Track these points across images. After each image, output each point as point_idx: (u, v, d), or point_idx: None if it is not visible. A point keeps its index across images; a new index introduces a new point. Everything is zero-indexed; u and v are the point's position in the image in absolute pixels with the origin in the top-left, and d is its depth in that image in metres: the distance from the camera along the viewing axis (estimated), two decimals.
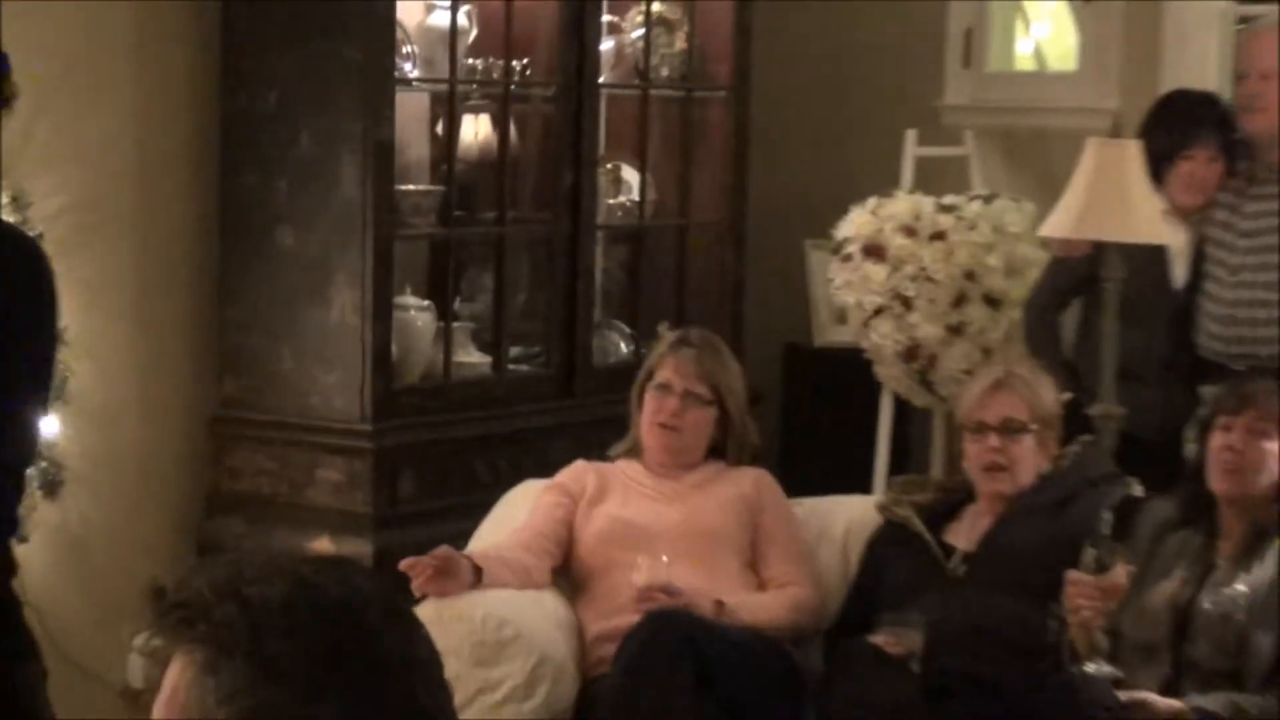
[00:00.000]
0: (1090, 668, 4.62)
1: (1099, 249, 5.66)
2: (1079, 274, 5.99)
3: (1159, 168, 5.78)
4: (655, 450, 5.34)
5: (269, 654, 2.09)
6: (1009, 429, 5.12)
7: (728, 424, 5.36)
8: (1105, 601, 4.63)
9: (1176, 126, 5.91)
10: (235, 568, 2.15)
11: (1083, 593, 4.63)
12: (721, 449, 5.38)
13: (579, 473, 5.38)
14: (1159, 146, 5.80)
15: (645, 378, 5.37)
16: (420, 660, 2.16)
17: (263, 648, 2.09)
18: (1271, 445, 4.77)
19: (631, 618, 4.89)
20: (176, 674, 2.14)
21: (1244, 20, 6.90)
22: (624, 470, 5.37)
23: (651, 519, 5.22)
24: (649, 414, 5.33)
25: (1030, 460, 5.14)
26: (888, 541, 5.22)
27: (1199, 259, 5.97)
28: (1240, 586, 4.69)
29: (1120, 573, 4.63)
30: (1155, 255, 5.84)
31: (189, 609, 2.12)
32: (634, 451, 5.40)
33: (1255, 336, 5.79)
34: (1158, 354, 5.91)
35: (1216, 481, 4.79)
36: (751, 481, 5.33)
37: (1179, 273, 5.98)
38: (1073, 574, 4.65)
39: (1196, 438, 4.93)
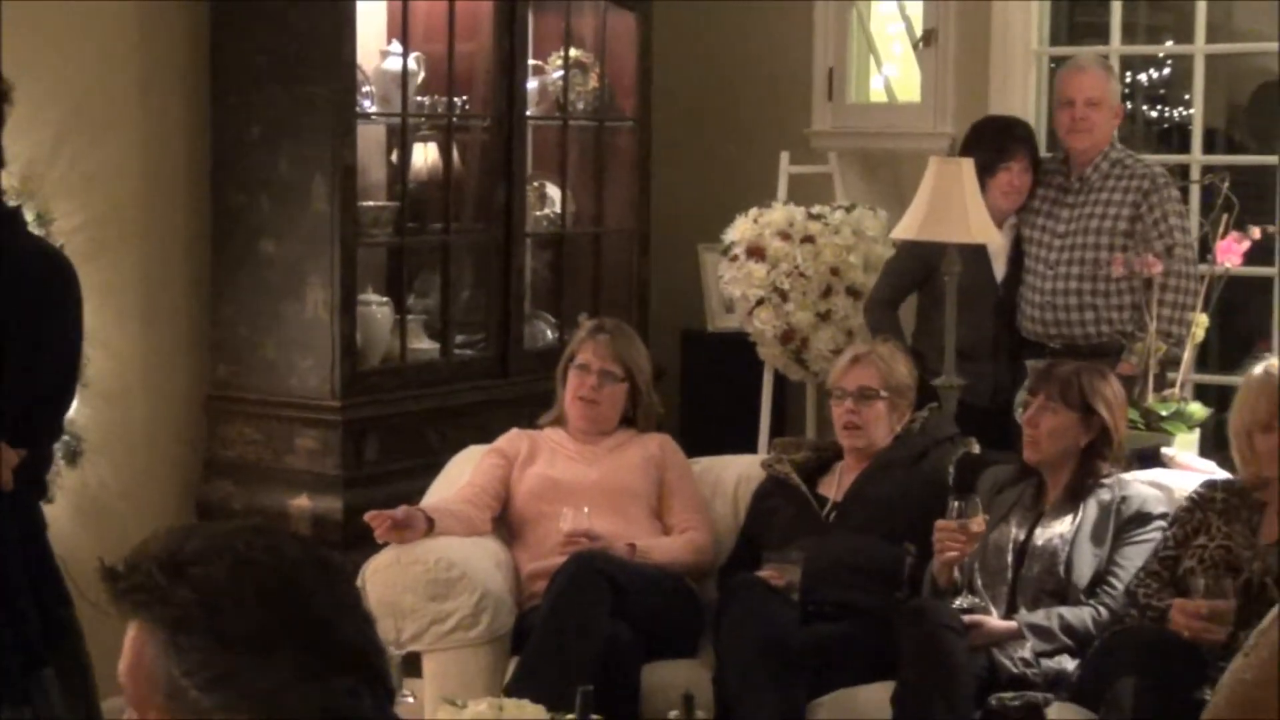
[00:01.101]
0: (961, 602, 4.62)
1: (938, 250, 5.66)
2: (914, 275, 6.01)
3: (980, 179, 5.79)
4: (577, 420, 5.32)
5: (223, 628, 2.08)
6: (863, 395, 5.13)
7: (637, 397, 5.35)
8: (968, 544, 4.62)
9: (994, 144, 5.93)
10: (175, 545, 2.16)
11: (950, 537, 4.62)
12: (632, 418, 5.37)
13: (514, 439, 5.36)
14: (980, 161, 5.81)
15: (568, 359, 5.35)
16: (348, 604, 2.15)
17: (216, 623, 2.08)
18: (1057, 420, 4.78)
19: (559, 559, 4.88)
20: (139, 646, 2.12)
21: (1055, 60, 6.92)
22: (551, 437, 5.35)
23: (574, 477, 5.20)
24: (572, 389, 5.31)
25: (882, 422, 5.14)
26: (771, 493, 5.21)
27: (1015, 257, 5.99)
28: (1062, 527, 4.72)
29: (979, 521, 4.63)
30: (980, 255, 5.85)
31: (145, 593, 2.11)
32: (559, 421, 5.38)
33: (1069, 320, 5.82)
34: (986, 336, 5.93)
35: (1025, 451, 4.82)
36: (657, 445, 5.32)
37: (999, 269, 6.00)
38: (941, 522, 4.64)
39: (1020, 411, 4.94)
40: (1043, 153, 6.68)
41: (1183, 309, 5.59)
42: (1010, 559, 4.70)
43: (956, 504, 4.65)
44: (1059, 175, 5.96)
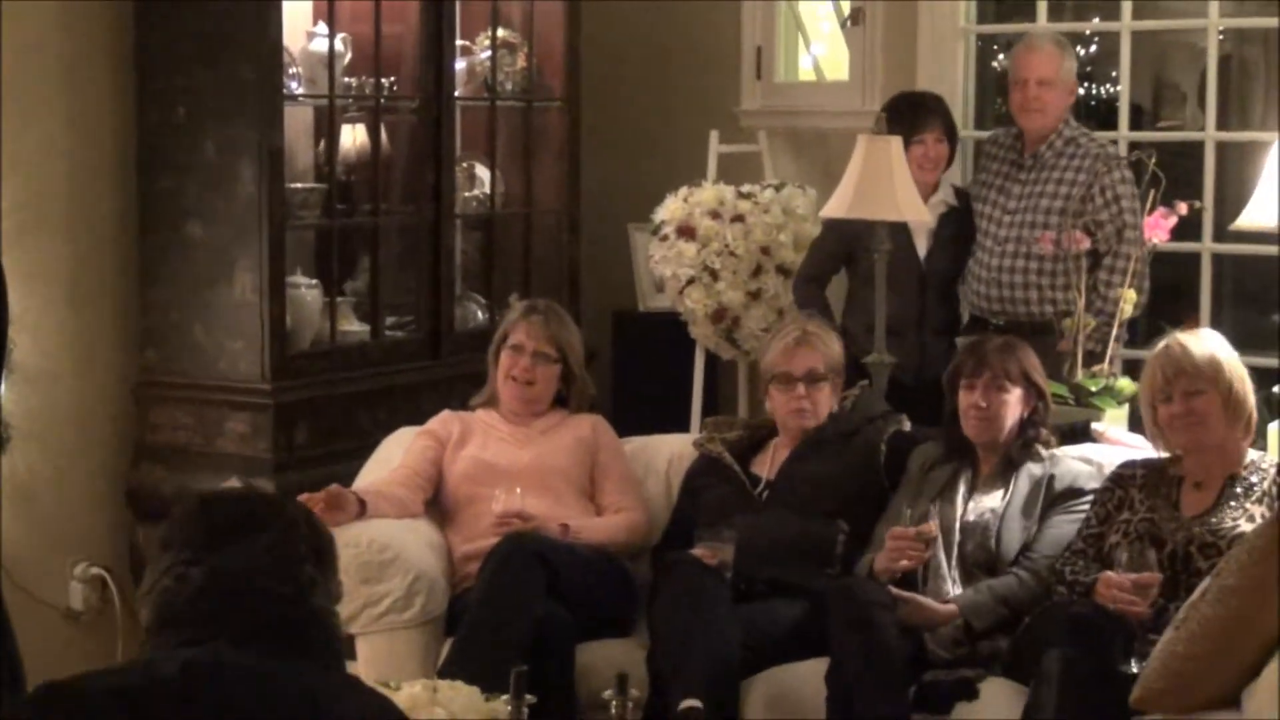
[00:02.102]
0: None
1: (861, 228, 5.68)
2: (837, 253, 6.04)
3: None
4: (511, 401, 5.32)
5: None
6: (812, 379, 5.13)
7: (570, 378, 5.36)
8: (925, 553, 4.64)
9: (908, 118, 5.95)
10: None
11: (909, 546, 4.63)
12: (565, 399, 5.37)
13: (446, 421, 5.36)
14: (895, 135, 5.85)
15: (500, 340, 5.35)
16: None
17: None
18: (1009, 396, 4.82)
19: (492, 540, 4.88)
20: None
21: (983, 38, 6.96)
22: (483, 418, 5.35)
23: (507, 459, 5.20)
24: (505, 370, 5.31)
25: (827, 403, 5.16)
26: (703, 473, 5.22)
27: (939, 233, 6.00)
28: (993, 502, 4.76)
29: (931, 526, 4.65)
30: (903, 231, 5.88)
31: None
32: (491, 402, 5.38)
33: (1013, 298, 5.85)
34: (911, 312, 5.96)
35: (970, 433, 4.86)
36: (589, 426, 5.32)
37: (922, 245, 6.02)
38: (897, 530, 4.66)
39: (948, 391, 4.95)
40: (970, 129, 6.73)
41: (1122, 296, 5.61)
42: (956, 536, 4.73)
43: (908, 511, 4.67)
44: (1013, 152, 5.98)
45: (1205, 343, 4.58)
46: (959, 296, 6.16)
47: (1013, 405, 4.83)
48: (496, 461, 5.20)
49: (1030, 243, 5.75)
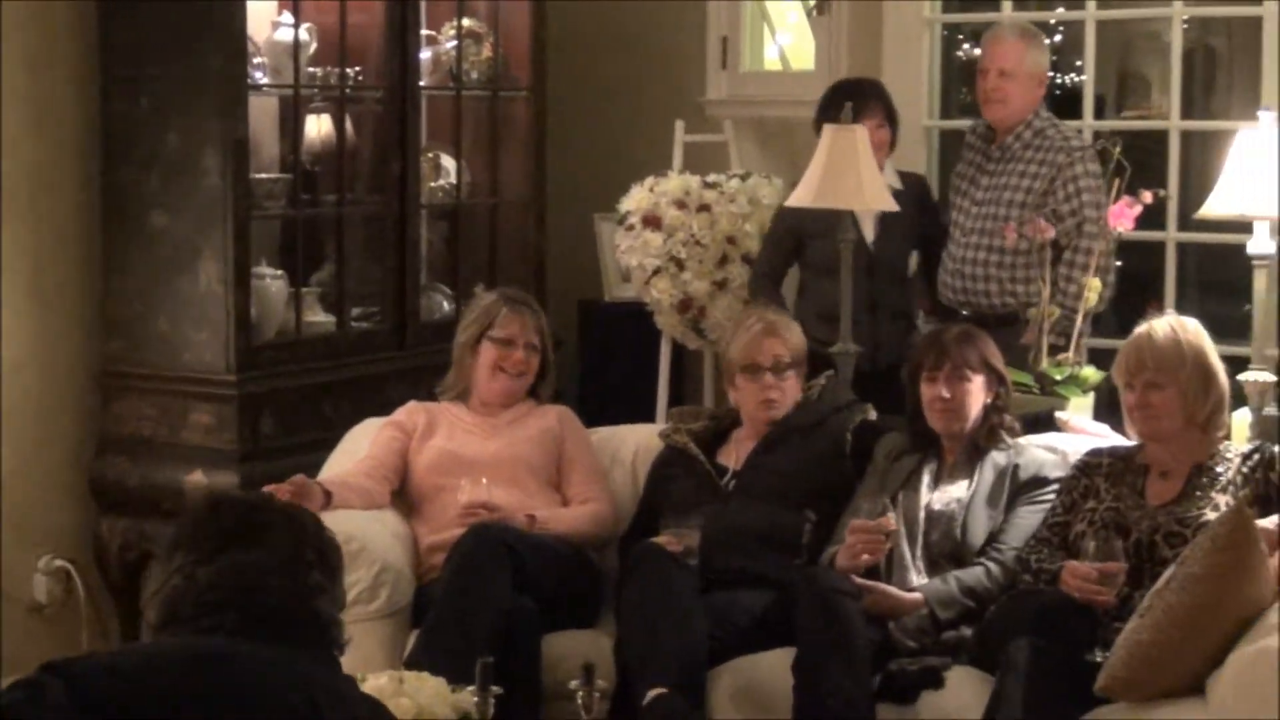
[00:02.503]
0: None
1: (808, 218, 5.71)
2: (787, 246, 6.04)
3: None
4: (497, 394, 5.31)
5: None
6: (779, 368, 5.13)
7: (544, 368, 5.36)
8: (885, 545, 4.64)
9: (842, 102, 5.93)
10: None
11: (872, 540, 4.63)
12: (533, 390, 5.36)
13: (412, 412, 5.35)
14: (834, 121, 5.86)
15: (481, 332, 5.31)
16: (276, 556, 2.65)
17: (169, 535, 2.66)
18: (971, 385, 4.83)
19: (458, 531, 4.88)
20: None
21: (948, 28, 6.97)
22: (449, 409, 5.35)
23: (473, 450, 5.20)
24: (491, 363, 5.29)
25: (793, 392, 5.17)
26: (669, 463, 5.22)
27: (885, 219, 5.99)
28: (959, 491, 4.77)
29: (890, 519, 4.65)
30: (850, 220, 5.85)
31: None
32: (462, 395, 5.36)
33: (976, 289, 5.86)
34: (861, 298, 5.94)
35: (936, 425, 4.86)
36: (555, 417, 5.32)
37: (869, 231, 6.02)
38: (858, 523, 4.66)
39: (909, 383, 4.95)
40: (935, 119, 6.74)
41: (1085, 286, 5.62)
42: (922, 526, 4.73)
43: (866, 505, 4.67)
44: (984, 142, 5.97)
45: (1177, 333, 4.57)
46: (912, 280, 6.18)
47: (976, 394, 4.84)
48: (463, 452, 5.19)
49: (993, 234, 5.75)
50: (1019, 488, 4.76)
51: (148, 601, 2.70)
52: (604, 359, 6.92)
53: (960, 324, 5.24)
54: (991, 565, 4.64)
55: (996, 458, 4.81)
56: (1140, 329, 4.62)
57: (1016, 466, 4.79)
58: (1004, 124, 5.88)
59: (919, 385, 4.89)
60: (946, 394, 4.82)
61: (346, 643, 2.72)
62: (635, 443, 5.43)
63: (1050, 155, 5.78)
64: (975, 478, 4.78)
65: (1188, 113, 6.62)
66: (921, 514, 4.75)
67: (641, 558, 4.78)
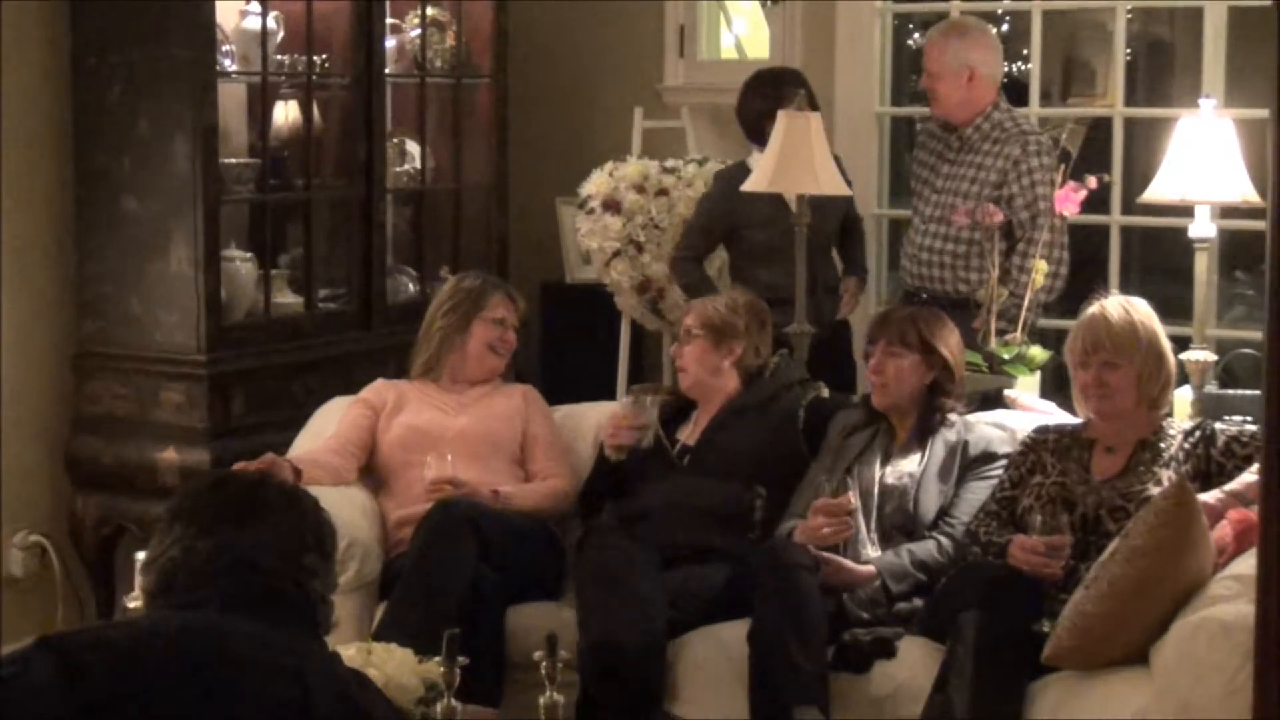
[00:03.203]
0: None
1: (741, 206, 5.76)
2: (717, 233, 6.03)
3: (760, 127, 5.84)
4: (487, 370, 5.33)
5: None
6: (684, 339, 5.20)
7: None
8: (849, 526, 4.64)
9: (768, 91, 5.96)
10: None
11: (830, 521, 4.62)
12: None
13: (380, 389, 5.35)
14: (758, 109, 5.88)
15: (472, 312, 5.30)
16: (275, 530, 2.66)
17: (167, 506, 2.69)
18: (903, 361, 4.84)
19: (424, 506, 4.87)
20: None
21: (899, 17, 6.97)
22: (417, 386, 5.35)
23: (439, 426, 5.20)
24: (483, 340, 5.32)
25: (701, 360, 5.17)
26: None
27: (814, 201, 5.98)
28: (910, 466, 4.78)
29: (850, 496, 4.65)
30: (779, 203, 5.83)
31: None
32: (433, 373, 5.35)
33: (933, 275, 5.87)
34: (790, 279, 5.93)
35: (873, 397, 4.87)
36: (520, 395, 5.33)
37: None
38: (817, 503, 4.65)
39: (865, 360, 4.98)
40: (886, 106, 6.75)
41: (1050, 275, 5.62)
42: (876, 499, 4.75)
43: (829, 484, 4.67)
44: (945, 131, 5.96)
45: (1130, 314, 4.59)
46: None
47: (907, 370, 4.84)
48: (430, 429, 5.19)
49: (951, 223, 5.75)
50: (968, 463, 4.78)
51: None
52: (565, 339, 6.91)
53: (913, 305, 5.25)
54: (942, 539, 4.66)
55: (946, 434, 4.83)
56: (1093, 309, 4.63)
57: (966, 443, 4.81)
58: (954, 118, 5.88)
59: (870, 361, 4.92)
60: (879, 367, 4.85)
61: (335, 624, 2.72)
62: (596, 419, 5.42)
63: (1006, 147, 5.77)
64: (926, 453, 4.80)
65: (1131, 100, 6.64)
66: (875, 488, 4.77)
67: (599, 532, 4.79)
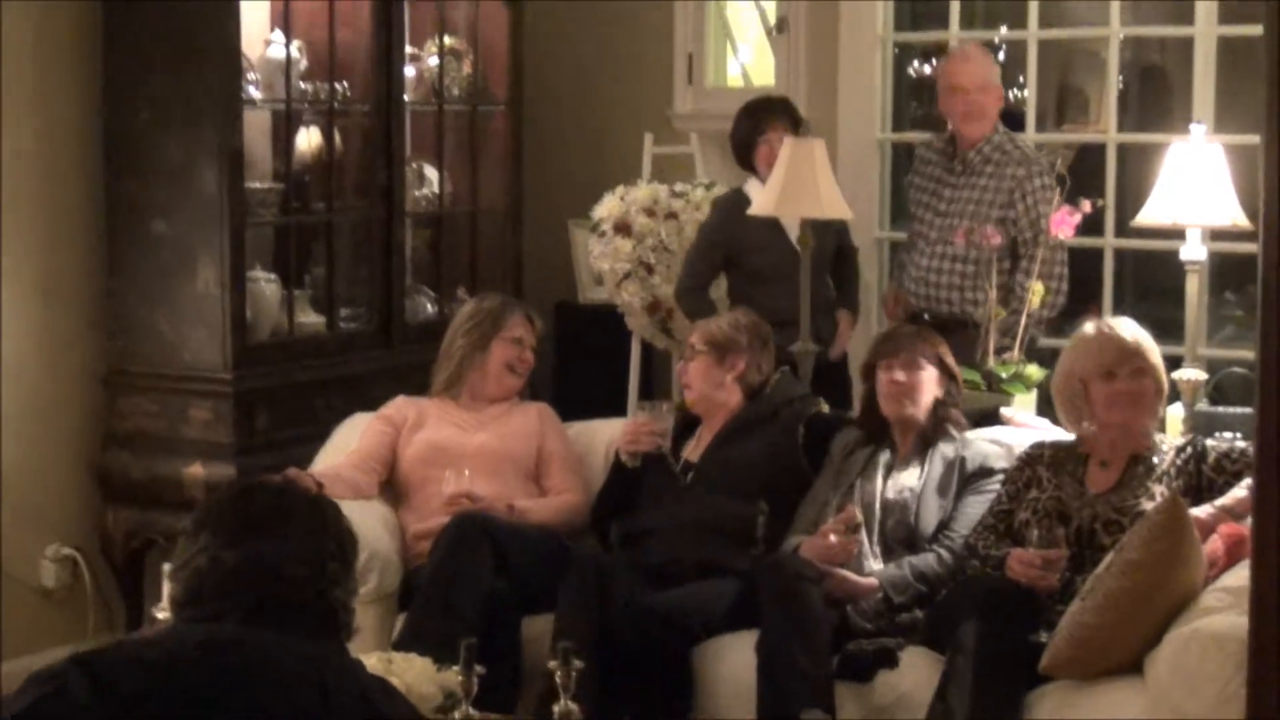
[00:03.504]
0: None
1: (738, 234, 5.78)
2: (718, 261, 6.03)
3: (748, 153, 5.87)
4: (506, 389, 5.35)
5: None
6: (689, 355, 5.21)
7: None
8: (854, 538, 4.65)
9: (753, 117, 5.96)
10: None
11: (834, 543, 4.63)
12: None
13: (400, 406, 5.36)
14: (743, 135, 5.89)
15: (492, 332, 5.31)
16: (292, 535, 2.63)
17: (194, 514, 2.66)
18: (924, 374, 4.86)
19: (443, 519, 4.88)
20: None
21: (900, 46, 6.99)
22: (437, 403, 5.36)
23: (459, 443, 5.21)
24: (502, 359, 5.34)
25: (705, 376, 5.18)
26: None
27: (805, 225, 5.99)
28: (911, 480, 4.79)
29: (854, 512, 4.66)
30: (775, 227, 5.86)
31: None
32: (455, 391, 5.35)
33: (939, 296, 5.86)
34: (793, 302, 5.95)
35: (887, 408, 4.88)
36: (537, 413, 5.35)
37: (794, 236, 6.01)
38: (826, 527, 4.67)
39: (864, 377, 4.98)
40: (887, 132, 6.76)
41: (1050, 292, 5.63)
42: (878, 514, 4.76)
43: (834, 498, 4.67)
44: (944, 156, 5.96)
45: (1135, 331, 4.62)
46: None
47: (928, 383, 4.87)
48: (449, 445, 5.20)
49: (977, 240, 5.71)
50: (966, 478, 4.79)
51: (172, 574, 2.65)
52: (578, 357, 6.92)
53: (914, 324, 5.26)
54: (943, 552, 4.67)
55: (945, 449, 4.84)
56: (1101, 327, 4.64)
57: (964, 458, 4.82)
58: (976, 137, 5.87)
59: (874, 377, 4.92)
60: (902, 377, 4.85)
61: (356, 630, 2.71)
62: (608, 436, 5.42)
63: (1010, 169, 5.77)
64: (925, 468, 4.81)
65: (1124, 126, 6.66)
66: (877, 503, 4.78)
67: (576, 571, 4.75)
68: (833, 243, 6.12)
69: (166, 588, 2.76)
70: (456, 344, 5.38)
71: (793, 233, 5.98)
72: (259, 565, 2.58)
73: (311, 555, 2.63)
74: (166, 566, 2.86)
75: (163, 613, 3.38)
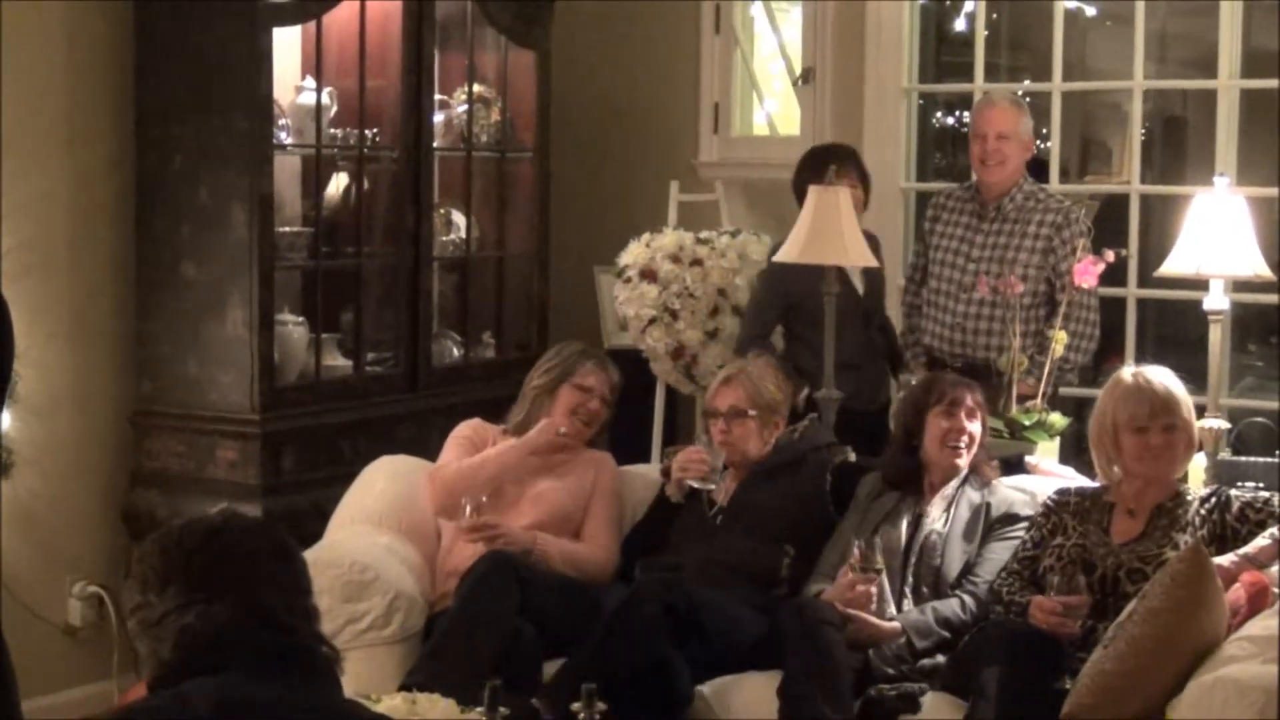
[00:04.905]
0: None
1: (796, 281, 5.73)
2: (778, 308, 6.02)
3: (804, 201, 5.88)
4: (569, 435, 5.28)
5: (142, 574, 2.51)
6: (734, 414, 5.15)
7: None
8: (868, 582, 4.62)
9: (819, 165, 5.94)
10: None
11: (857, 593, 4.62)
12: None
13: (478, 428, 5.37)
14: (807, 185, 5.86)
15: (563, 376, 5.31)
16: (281, 581, 2.53)
17: (149, 565, 2.52)
18: (977, 426, 4.85)
19: (468, 559, 4.83)
20: None
21: (924, 97, 6.98)
22: (501, 438, 5.32)
23: (515, 489, 5.18)
24: (568, 406, 5.28)
25: (753, 438, 5.17)
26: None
27: (866, 274, 5.99)
28: (938, 525, 4.76)
29: (862, 551, 4.63)
30: (840, 275, 5.85)
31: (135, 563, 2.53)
32: (520, 430, 5.31)
33: (974, 342, 5.81)
34: (860, 344, 5.96)
35: (943, 457, 4.84)
36: (595, 466, 5.31)
37: (858, 283, 6.01)
38: (847, 580, 4.64)
39: (908, 422, 4.93)
40: (911, 181, 6.76)
41: (1080, 337, 5.62)
42: (900, 559, 4.73)
43: (858, 549, 4.64)
44: (972, 202, 5.92)
45: (1168, 381, 4.60)
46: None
47: (979, 434, 4.86)
48: (505, 489, 5.17)
49: (999, 290, 5.68)
50: (991, 524, 4.77)
51: (145, 632, 2.51)
52: None
53: (953, 372, 5.24)
54: (966, 597, 4.65)
55: (971, 495, 4.82)
56: (1138, 378, 4.61)
57: (989, 504, 4.80)
58: (999, 186, 5.83)
59: (921, 422, 4.87)
60: (961, 428, 4.82)
61: (343, 662, 2.60)
62: (632, 482, 5.42)
63: (1048, 217, 5.74)
64: (951, 513, 4.79)
65: (1146, 177, 6.64)
66: (901, 548, 4.75)
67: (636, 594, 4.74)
68: (883, 290, 6.12)
69: (140, 644, 2.56)
70: (531, 385, 5.37)
71: (858, 279, 5.99)
72: (255, 616, 2.49)
73: (291, 597, 2.54)
74: None
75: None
